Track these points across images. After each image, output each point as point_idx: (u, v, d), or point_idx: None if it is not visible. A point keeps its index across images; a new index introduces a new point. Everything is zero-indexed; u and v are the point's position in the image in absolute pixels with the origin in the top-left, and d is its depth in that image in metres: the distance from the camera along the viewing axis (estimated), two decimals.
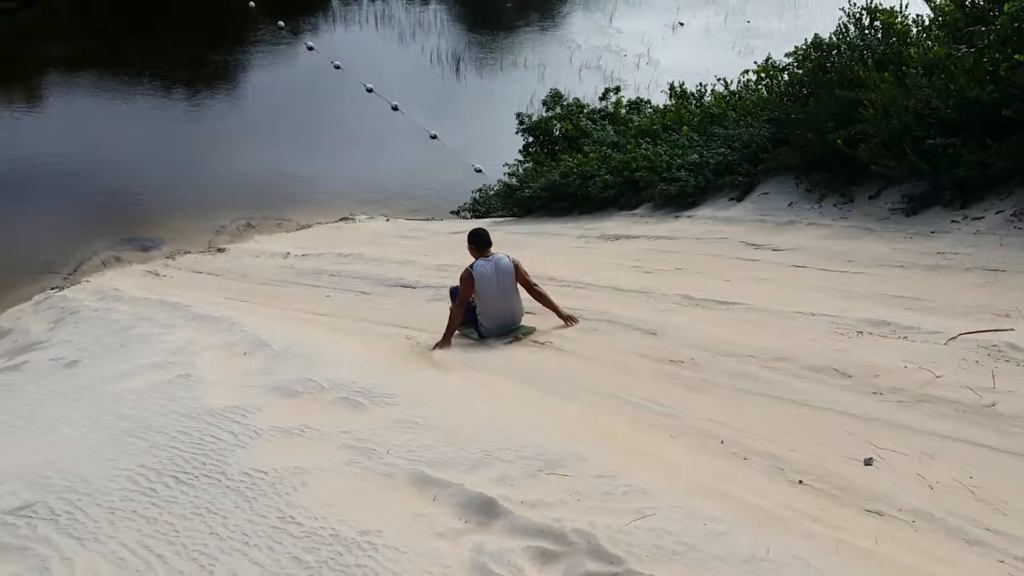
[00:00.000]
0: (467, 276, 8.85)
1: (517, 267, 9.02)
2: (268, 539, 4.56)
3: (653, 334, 8.35)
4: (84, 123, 29.18)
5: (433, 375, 7.80)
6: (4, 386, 10.56)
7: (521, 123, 24.45)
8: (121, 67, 33.39)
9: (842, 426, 5.70)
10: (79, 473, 5.78)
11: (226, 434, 6.20)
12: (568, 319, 9.07)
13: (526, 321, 9.14)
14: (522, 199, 20.46)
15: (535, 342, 8.67)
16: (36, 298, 21.17)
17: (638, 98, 24.83)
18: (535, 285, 9.17)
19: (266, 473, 5.37)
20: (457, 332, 9.01)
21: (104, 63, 33.58)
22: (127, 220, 24.82)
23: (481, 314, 8.98)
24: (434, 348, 8.77)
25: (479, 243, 9.08)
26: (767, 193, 14.38)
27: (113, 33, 36.55)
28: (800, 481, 4.95)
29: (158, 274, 21.15)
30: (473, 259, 9.03)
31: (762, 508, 4.48)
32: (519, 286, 9.04)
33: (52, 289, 21.65)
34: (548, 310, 9.15)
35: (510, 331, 8.96)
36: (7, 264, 23.02)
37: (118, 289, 19.81)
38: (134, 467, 5.79)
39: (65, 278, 22.55)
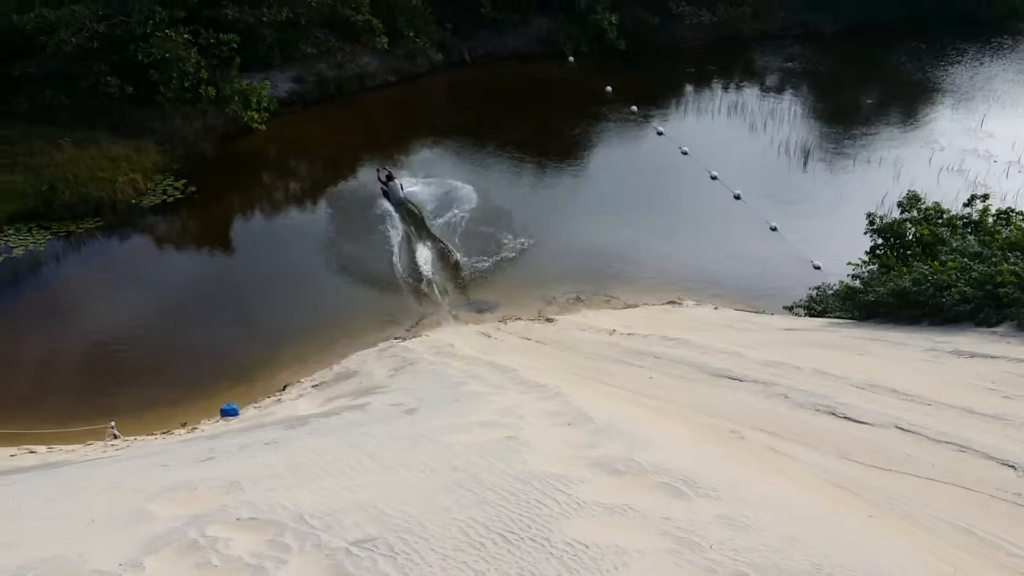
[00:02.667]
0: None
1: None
2: None
3: (1011, 467, 7.50)
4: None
5: (765, 476, 7.48)
6: (351, 423, 11.55)
7: (871, 223, 23.27)
8: (485, 134, 36.10)
9: None
10: (416, 516, 6.13)
11: (551, 501, 6.31)
12: None
13: None
14: (865, 303, 19.37)
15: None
16: (381, 345, 23.22)
17: (1008, 208, 22.77)
18: None
19: (588, 547, 5.39)
20: None
21: (471, 130, 36.47)
22: (465, 282, 26.61)
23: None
24: None
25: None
26: None
27: (481, 105, 39.67)
28: None
29: (490, 336, 22.36)
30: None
31: None
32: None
33: (396, 339, 23.63)
34: None
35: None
36: (361, 310, 25.49)
37: (453, 345, 21.18)
38: (465, 519, 6.05)
39: (407, 330, 24.52)
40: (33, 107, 32.18)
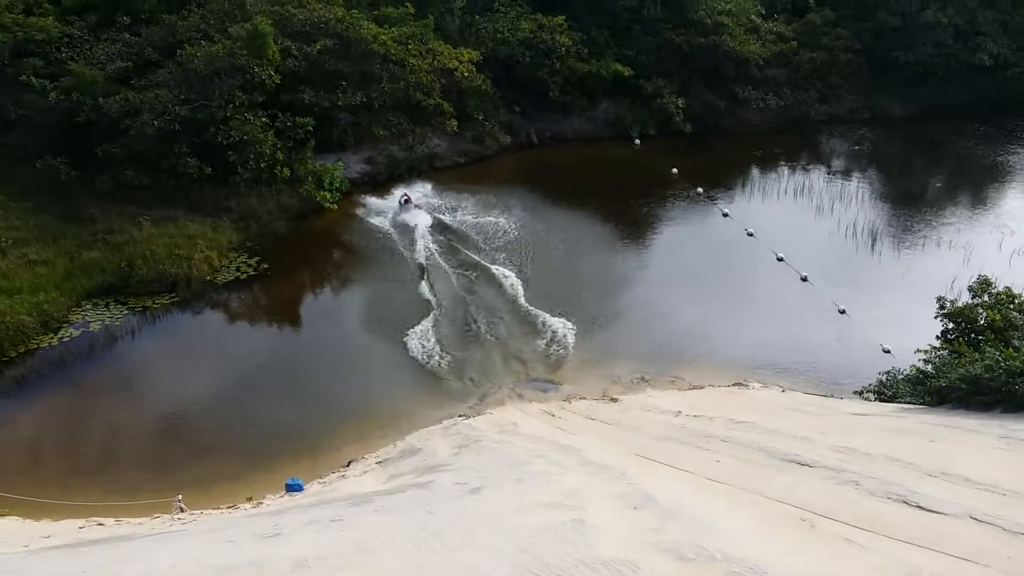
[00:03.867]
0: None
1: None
2: None
3: None
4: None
5: (836, 566, 7.32)
6: (415, 501, 11.58)
7: (942, 307, 22.84)
8: (551, 213, 36.48)
9: None
10: None
11: None
12: None
13: None
14: (936, 388, 18.91)
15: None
16: (445, 423, 23.27)
17: None
18: None
19: None
20: None
21: (536, 209, 36.86)
22: (528, 360, 26.67)
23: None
24: None
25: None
26: None
27: (547, 185, 40.14)
28: None
29: (554, 415, 22.28)
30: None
31: None
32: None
33: (459, 416, 23.67)
34: None
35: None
36: (424, 387, 25.63)
37: (517, 424, 21.15)
38: None
39: (471, 407, 24.56)
40: (115, 186, 33.56)
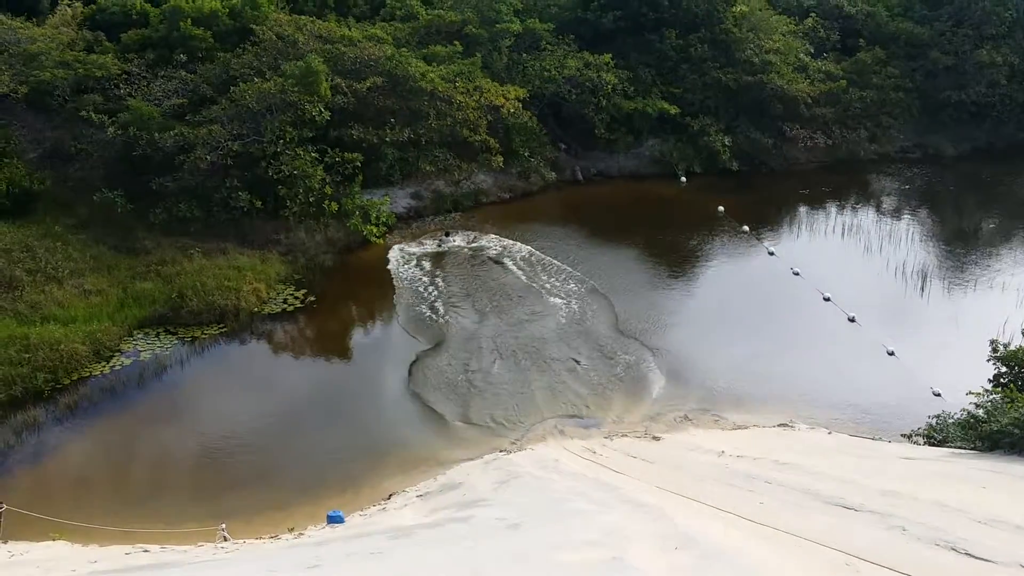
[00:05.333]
0: None
1: None
2: None
3: None
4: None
5: None
6: (455, 536, 11.60)
7: (994, 351, 22.44)
8: (596, 249, 36.56)
9: None
10: None
11: None
12: None
13: None
14: (988, 433, 18.53)
15: None
16: (486, 457, 23.23)
17: None
18: None
19: None
20: None
21: (581, 245, 36.96)
22: (573, 398, 26.56)
23: None
24: None
25: None
26: None
27: (593, 222, 40.24)
28: None
29: (595, 452, 22.15)
30: None
31: None
32: None
33: (500, 451, 23.63)
34: None
35: None
36: (467, 421, 25.59)
37: (558, 460, 21.06)
38: None
39: (513, 442, 24.50)
40: (169, 219, 34.30)
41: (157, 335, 29.58)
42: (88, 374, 27.17)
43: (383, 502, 20.98)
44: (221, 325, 30.23)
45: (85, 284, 30.69)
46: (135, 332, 29.54)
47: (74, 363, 27.11)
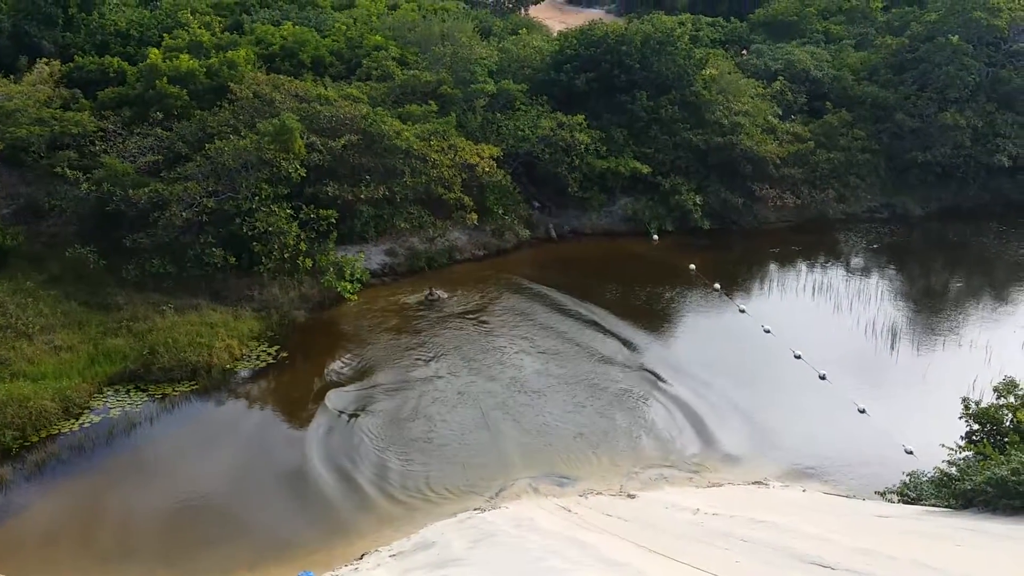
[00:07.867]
0: None
1: None
2: None
3: None
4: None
5: None
6: None
7: (967, 408, 22.67)
8: (566, 305, 36.72)
9: None
10: None
11: None
12: None
13: None
14: (961, 491, 18.69)
15: None
16: (460, 516, 23.04)
17: None
18: None
19: None
20: None
21: (553, 302, 37.09)
22: (547, 456, 26.44)
23: None
24: None
25: None
26: None
27: (565, 279, 40.44)
28: None
29: (570, 510, 22.04)
30: None
31: None
32: None
33: (475, 510, 23.43)
34: None
35: None
36: (440, 481, 25.35)
37: (533, 519, 20.92)
38: None
39: (487, 500, 24.32)
40: (141, 275, 34.20)
41: (127, 392, 29.28)
42: (57, 431, 26.83)
43: (355, 562, 20.70)
44: (192, 382, 29.96)
45: (55, 340, 30.42)
46: (105, 389, 29.24)
47: (43, 420, 26.77)
